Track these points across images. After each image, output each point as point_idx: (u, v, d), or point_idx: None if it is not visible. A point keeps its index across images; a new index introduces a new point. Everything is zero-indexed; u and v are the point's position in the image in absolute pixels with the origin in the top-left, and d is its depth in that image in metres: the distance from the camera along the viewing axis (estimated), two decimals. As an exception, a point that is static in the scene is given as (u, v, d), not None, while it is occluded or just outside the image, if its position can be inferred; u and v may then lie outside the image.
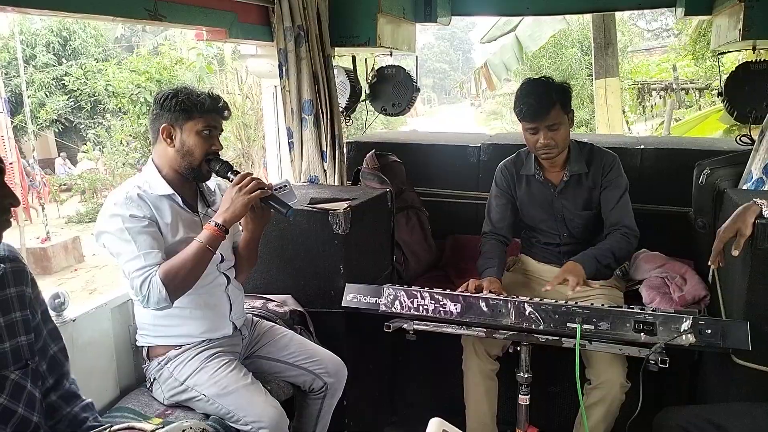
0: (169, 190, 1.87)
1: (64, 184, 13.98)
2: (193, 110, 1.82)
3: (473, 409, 2.39)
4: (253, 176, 1.85)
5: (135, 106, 11.04)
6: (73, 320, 1.87)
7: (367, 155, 3.02)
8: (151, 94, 11.16)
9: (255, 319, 2.17)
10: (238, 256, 2.09)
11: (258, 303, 2.29)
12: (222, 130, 1.92)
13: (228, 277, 2.01)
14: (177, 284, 1.74)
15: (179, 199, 1.90)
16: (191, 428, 1.08)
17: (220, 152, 1.90)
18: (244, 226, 2.03)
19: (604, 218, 2.37)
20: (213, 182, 2.05)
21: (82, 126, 15.82)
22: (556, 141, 2.25)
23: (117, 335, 2.05)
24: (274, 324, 2.17)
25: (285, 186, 1.96)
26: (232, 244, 2.08)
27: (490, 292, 2.12)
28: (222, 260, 1.98)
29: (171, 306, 1.75)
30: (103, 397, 1.97)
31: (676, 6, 3.21)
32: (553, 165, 2.38)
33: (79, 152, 15.30)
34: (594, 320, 1.78)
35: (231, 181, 1.87)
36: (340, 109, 3.18)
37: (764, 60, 2.78)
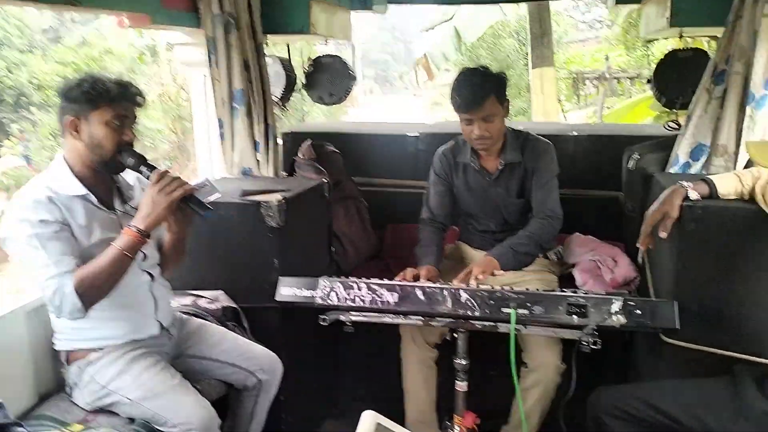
0: (82, 190, 1.74)
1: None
2: (99, 99, 1.68)
3: (412, 398, 2.38)
4: (171, 174, 1.73)
5: (62, 99, 10.51)
6: (-17, 326, 1.74)
7: (303, 145, 2.95)
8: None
9: (184, 317, 2.07)
10: (162, 254, 1.98)
11: (188, 300, 2.20)
12: (135, 119, 1.78)
13: (152, 275, 1.90)
14: (92, 293, 1.63)
15: (93, 198, 1.77)
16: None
17: (133, 143, 1.77)
18: (168, 228, 1.91)
19: (531, 202, 2.39)
20: (132, 176, 1.93)
21: (5, 120, 14.97)
22: (490, 132, 2.25)
23: (33, 339, 1.91)
24: (204, 321, 2.09)
25: (205, 185, 1.85)
26: (156, 239, 1.97)
27: (428, 280, 2.11)
28: (144, 258, 1.87)
29: (84, 316, 1.65)
30: (19, 404, 1.84)
31: None
32: (489, 153, 2.39)
33: (2, 147, 14.48)
34: (528, 305, 1.78)
35: (144, 176, 1.76)
36: (275, 99, 3.10)
37: (691, 48, 2.86)
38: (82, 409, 1.81)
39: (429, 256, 2.34)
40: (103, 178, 1.82)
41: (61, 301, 1.60)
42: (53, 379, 1.96)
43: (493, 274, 2.11)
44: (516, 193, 2.40)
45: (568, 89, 11.29)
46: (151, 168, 1.76)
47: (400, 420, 2.41)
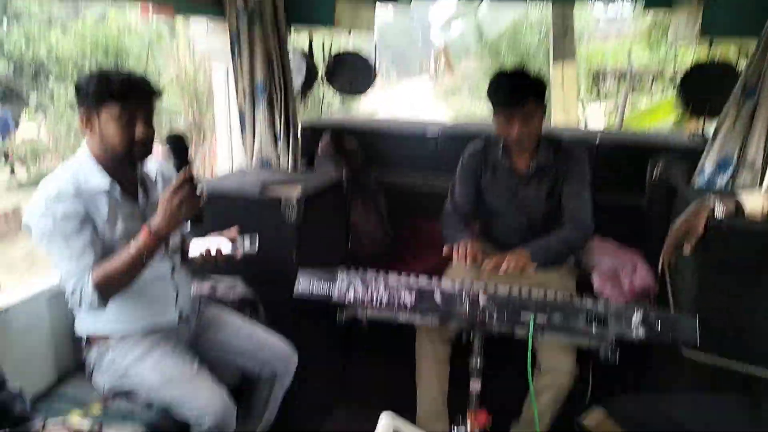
0: (107, 182, 1.74)
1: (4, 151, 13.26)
2: (105, 96, 1.65)
3: (424, 393, 2.40)
4: (194, 181, 1.70)
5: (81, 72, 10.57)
6: (6, 311, 1.77)
7: (323, 138, 2.95)
8: (97, 63, 10.66)
9: (202, 304, 2.09)
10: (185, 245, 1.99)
11: (206, 286, 2.22)
12: (151, 112, 1.75)
13: (175, 263, 1.92)
14: (110, 290, 1.67)
15: (118, 191, 1.77)
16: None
17: (149, 139, 1.73)
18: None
19: (563, 209, 2.39)
20: (155, 167, 1.91)
21: (24, 91, 15.03)
22: (528, 131, 2.24)
23: (54, 321, 1.95)
24: (222, 310, 2.11)
25: (245, 240, 1.88)
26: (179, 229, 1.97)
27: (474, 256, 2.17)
28: (166, 246, 1.88)
29: (104, 308, 1.67)
30: (40, 383, 1.89)
31: None
32: (522, 154, 2.38)
33: (21, 117, 14.55)
34: (548, 312, 1.78)
35: (174, 165, 1.75)
36: (296, 91, 3.09)
37: (719, 63, 2.81)
38: (101, 390, 1.84)
39: (464, 232, 2.35)
40: (127, 169, 1.82)
41: (81, 296, 1.63)
42: (73, 359, 2.00)
43: (523, 270, 2.09)
44: (545, 197, 2.40)
45: (588, 84, 11.17)
46: (183, 164, 1.72)
47: (410, 412, 2.43)
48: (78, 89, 1.69)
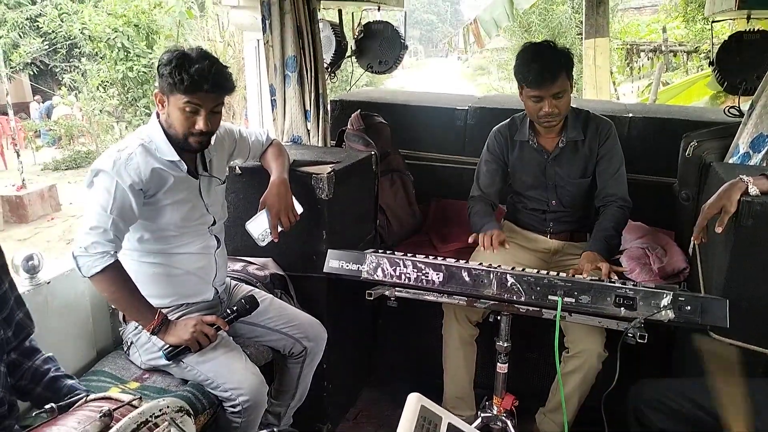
0: (176, 156, 1.80)
1: (39, 131, 13.56)
2: (175, 86, 1.69)
3: (451, 374, 2.42)
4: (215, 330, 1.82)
5: (112, 51, 10.67)
6: (48, 283, 1.82)
7: (353, 116, 2.95)
8: (128, 39, 10.77)
9: (234, 282, 2.14)
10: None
11: (238, 266, 2.26)
12: (218, 106, 1.78)
13: (219, 240, 1.98)
14: (101, 287, 1.71)
15: (184, 167, 1.83)
16: (168, 407, 1.05)
17: (208, 132, 1.77)
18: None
19: (599, 188, 2.36)
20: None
21: (58, 70, 15.27)
22: (559, 109, 2.21)
23: (93, 297, 2.01)
24: (253, 288, 2.15)
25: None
26: (224, 201, 2.04)
27: (500, 243, 2.17)
28: (214, 223, 1.95)
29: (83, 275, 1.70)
30: (79, 359, 1.95)
31: None
32: (550, 131, 2.35)
33: (55, 96, 14.83)
34: (575, 293, 1.77)
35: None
36: (325, 66, 3.09)
37: (758, 30, 2.73)
38: (138, 367, 1.90)
39: (491, 222, 2.34)
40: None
41: (91, 257, 1.66)
42: (110, 336, 2.07)
43: (598, 268, 2.07)
44: (577, 174, 2.37)
45: (621, 60, 10.90)
46: (236, 318, 1.89)
47: (436, 394, 2.47)
48: (159, 67, 1.73)
